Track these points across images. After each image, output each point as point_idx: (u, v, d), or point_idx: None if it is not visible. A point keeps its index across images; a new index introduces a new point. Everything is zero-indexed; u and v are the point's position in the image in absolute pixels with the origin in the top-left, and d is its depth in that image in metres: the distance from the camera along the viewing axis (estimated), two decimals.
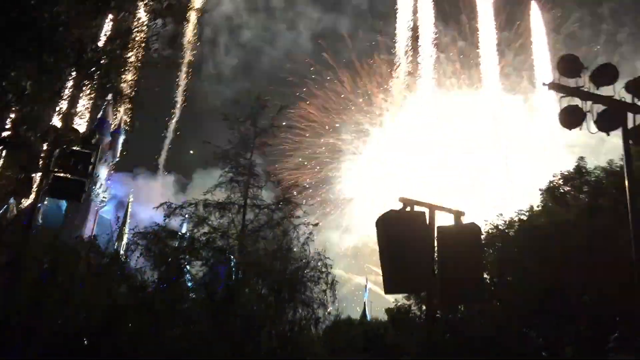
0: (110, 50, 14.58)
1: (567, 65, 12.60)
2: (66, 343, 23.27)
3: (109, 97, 17.07)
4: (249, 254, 24.83)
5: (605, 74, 12.40)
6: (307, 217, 27.33)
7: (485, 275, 24.82)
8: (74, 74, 14.54)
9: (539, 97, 76.47)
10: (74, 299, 24.35)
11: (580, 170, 28.78)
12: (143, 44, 15.84)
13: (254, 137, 27.16)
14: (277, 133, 30.02)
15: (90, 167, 17.98)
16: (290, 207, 26.58)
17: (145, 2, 15.54)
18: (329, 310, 25.05)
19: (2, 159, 21.83)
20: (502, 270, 27.78)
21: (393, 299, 34.88)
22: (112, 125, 76.84)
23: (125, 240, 50.09)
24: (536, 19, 78.30)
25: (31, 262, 23.13)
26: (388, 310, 36.21)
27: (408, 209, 8.21)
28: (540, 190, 30.07)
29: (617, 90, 12.33)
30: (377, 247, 8.29)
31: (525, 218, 29.23)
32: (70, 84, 15.07)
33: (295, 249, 25.63)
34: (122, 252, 34.62)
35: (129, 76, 15.95)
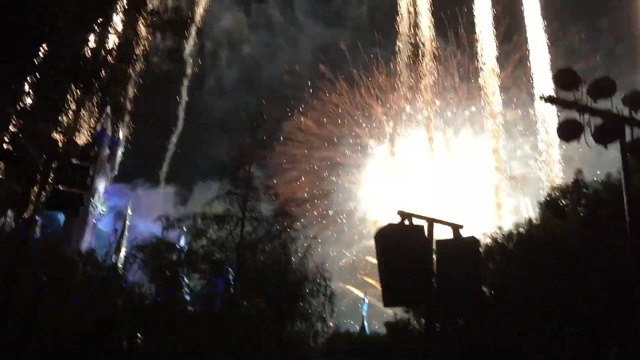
0: (110, 64, 14.64)
1: (565, 78, 12.66)
2: (61, 353, 23.11)
3: (108, 109, 17.11)
4: (247, 267, 24.79)
5: (603, 87, 12.45)
6: (306, 230, 27.37)
7: (484, 289, 24.76)
8: (73, 86, 14.59)
9: (538, 110, 76.60)
10: (69, 312, 24.22)
11: (578, 184, 28.82)
12: (143, 58, 15.91)
13: (252, 149, 27.23)
14: (276, 146, 30.12)
15: (89, 179, 17.96)
16: (289, 220, 26.62)
17: (145, 16, 15.63)
18: (328, 323, 24.99)
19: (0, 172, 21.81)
20: (502, 283, 27.72)
21: (392, 312, 34.77)
22: (111, 138, 76.89)
23: (123, 253, 50.02)
24: (534, 32, 78.68)
25: (28, 276, 23.02)
26: (387, 324, 36.08)
27: (407, 222, 8.20)
28: (538, 203, 30.14)
29: (615, 104, 12.37)
30: (376, 261, 8.28)
31: (524, 231, 29.23)
32: (69, 96, 15.11)
33: (293, 262, 25.60)
34: (120, 265, 34.53)
35: (129, 89, 16.02)
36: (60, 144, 16.88)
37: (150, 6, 15.80)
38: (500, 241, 29.66)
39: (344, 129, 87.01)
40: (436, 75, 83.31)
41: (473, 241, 8.54)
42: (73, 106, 15.23)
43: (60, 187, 17.52)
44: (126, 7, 15.10)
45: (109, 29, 15.83)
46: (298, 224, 26.91)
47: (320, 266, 25.50)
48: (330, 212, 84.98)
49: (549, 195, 29.86)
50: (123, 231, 65.71)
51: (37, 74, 12.77)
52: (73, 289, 26.16)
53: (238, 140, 27.35)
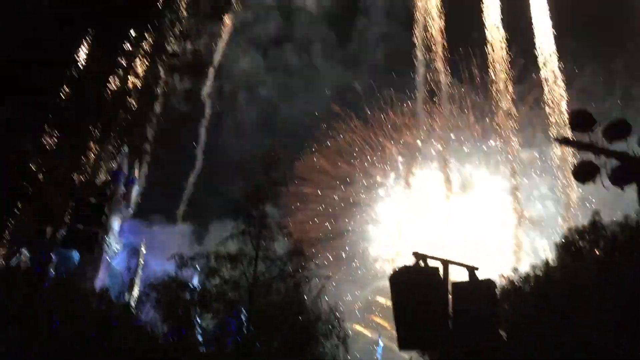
0: (130, 106, 14.91)
1: (579, 119, 12.67)
2: None
3: (125, 149, 17.33)
4: (260, 307, 24.58)
5: (618, 129, 12.41)
6: (320, 270, 27.18)
7: (501, 332, 24.38)
8: (92, 127, 14.84)
9: (554, 151, 76.38)
10: (82, 351, 24.09)
11: (595, 225, 28.55)
12: (162, 99, 16.20)
13: (266, 189, 27.31)
14: (290, 185, 30.22)
15: (104, 218, 18.09)
16: (302, 260, 26.45)
17: (163, 58, 15.98)
18: None
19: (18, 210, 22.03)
20: (516, 320, 27.29)
21: (408, 356, 34.14)
22: (127, 176, 77.72)
23: (136, 291, 49.89)
24: (549, 73, 79.10)
25: (42, 313, 23.03)
26: None
27: (421, 263, 8.16)
28: (555, 244, 29.85)
29: (631, 145, 12.31)
30: (390, 302, 8.21)
31: (540, 274, 28.89)
32: (88, 137, 15.36)
33: (307, 302, 25.36)
34: (133, 303, 34.43)
35: (147, 130, 16.26)
36: (77, 183, 17.08)
37: (169, 49, 16.17)
38: (516, 283, 29.30)
39: (358, 169, 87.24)
40: (451, 114, 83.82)
41: (489, 284, 8.46)
42: (92, 146, 15.47)
43: (76, 226, 17.65)
44: (146, 50, 15.45)
45: (129, 71, 16.19)
46: (312, 263, 26.73)
47: (333, 307, 25.23)
48: (344, 252, 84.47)
49: (566, 237, 29.59)
50: (137, 269, 65.71)
51: (57, 114, 13.02)
52: (86, 327, 26.07)
53: (253, 180, 27.45)
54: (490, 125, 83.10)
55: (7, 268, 22.01)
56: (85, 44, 13.35)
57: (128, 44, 14.93)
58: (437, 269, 8.28)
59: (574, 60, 78.63)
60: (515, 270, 30.05)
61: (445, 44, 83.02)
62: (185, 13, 16.17)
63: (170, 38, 15.99)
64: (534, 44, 79.27)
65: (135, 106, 15.21)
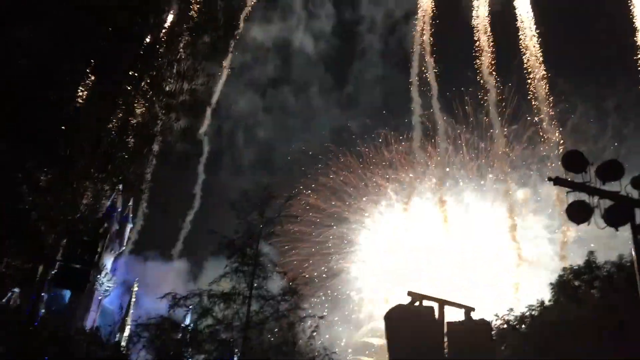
0: (126, 145, 14.95)
1: (572, 160, 12.78)
2: None
3: (119, 186, 17.31)
4: (253, 347, 24.20)
5: (611, 170, 12.52)
6: (314, 309, 26.88)
7: None
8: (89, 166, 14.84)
9: (548, 190, 76.83)
10: None
11: (590, 265, 28.53)
12: (159, 137, 16.25)
13: (260, 227, 27.17)
14: (285, 224, 30.09)
15: (96, 256, 17.93)
16: (297, 299, 26.15)
17: (160, 97, 16.10)
18: None
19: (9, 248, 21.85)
20: None
21: None
22: (121, 213, 77.33)
23: (128, 331, 49.12)
24: (543, 113, 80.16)
25: (32, 353, 22.61)
26: None
27: (417, 303, 8.10)
28: (551, 284, 29.74)
29: (624, 185, 12.39)
30: (385, 342, 8.13)
31: (536, 314, 28.68)
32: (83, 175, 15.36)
33: (301, 343, 25.00)
34: (124, 343, 33.86)
35: (141, 167, 16.26)
36: (69, 221, 16.98)
37: (167, 88, 16.31)
38: (512, 323, 29.07)
39: (353, 207, 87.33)
40: (446, 152, 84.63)
41: (485, 325, 8.40)
42: (86, 184, 15.46)
43: (68, 264, 17.47)
44: (143, 89, 15.58)
45: (127, 110, 16.29)
46: (306, 303, 26.46)
47: (328, 347, 24.88)
48: (338, 292, 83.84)
49: (562, 276, 29.51)
50: (128, 308, 64.80)
51: (52, 151, 13.04)
52: None
53: (246, 218, 27.30)
54: (486, 163, 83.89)
55: None
56: (83, 81, 13.48)
57: (126, 85, 15.08)
58: (432, 308, 8.23)
59: (567, 100, 79.90)
60: (510, 310, 29.82)
61: (437, 85, 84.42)
62: (183, 54, 16.38)
63: (169, 78, 16.15)
64: (527, 84, 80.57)
65: (132, 144, 15.25)
